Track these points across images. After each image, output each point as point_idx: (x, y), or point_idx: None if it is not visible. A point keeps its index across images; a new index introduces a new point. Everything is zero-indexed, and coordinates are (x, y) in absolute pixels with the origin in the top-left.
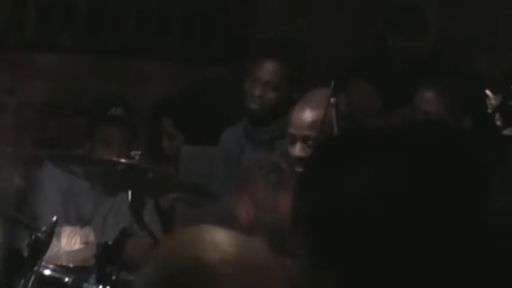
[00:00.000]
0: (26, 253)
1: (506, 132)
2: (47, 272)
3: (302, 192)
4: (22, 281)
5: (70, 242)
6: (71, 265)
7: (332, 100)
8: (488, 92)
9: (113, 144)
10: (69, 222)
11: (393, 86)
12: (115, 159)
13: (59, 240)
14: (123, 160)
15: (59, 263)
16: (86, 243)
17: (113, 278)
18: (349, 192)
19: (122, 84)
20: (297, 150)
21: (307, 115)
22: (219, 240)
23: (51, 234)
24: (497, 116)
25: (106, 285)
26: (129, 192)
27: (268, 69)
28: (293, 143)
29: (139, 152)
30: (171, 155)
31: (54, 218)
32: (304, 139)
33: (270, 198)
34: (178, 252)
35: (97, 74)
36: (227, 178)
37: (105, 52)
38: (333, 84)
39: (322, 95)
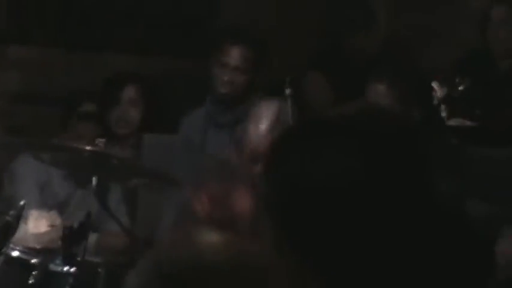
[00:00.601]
0: None
1: (451, 122)
2: (14, 253)
3: (266, 176)
4: None
5: (37, 224)
6: (38, 247)
7: (287, 91)
8: (434, 84)
9: (83, 138)
10: (40, 205)
11: (348, 79)
12: (81, 146)
13: (26, 223)
14: (88, 147)
15: (26, 244)
16: (52, 226)
17: (78, 259)
18: (309, 173)
19: (92, 76)
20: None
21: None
22: (215, 242)
23: (19, 217)
24: (442, 107)
25: (72, 266)
26: (94, 178)
27: (236, 54)
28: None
29: (104, 140)
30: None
31: (22, 202)
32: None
33: (224, 193)
34: (173, 253)
35: (68, 66)
36: (188, 163)
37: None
38: (288, 78)
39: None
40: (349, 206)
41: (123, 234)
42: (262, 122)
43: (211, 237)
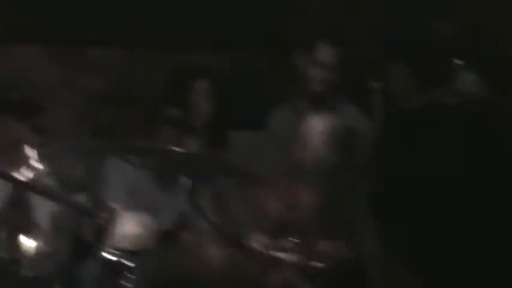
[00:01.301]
0: (89, 240)
1: None
2: (110, 257)
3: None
4: (87, 267)
5: (128, 226)
6: (130, 249)
7: (375, 85)
8: None
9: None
10: (130, 209)
11: (431, 67)
12: (171, 148)
13: (118, 224)
14: (177, 149)
15: (119, 246)
16: (144, 226)
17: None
18: (413, 165)
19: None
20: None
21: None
22: (212, 255)
23: (113, 221)
24: None
25: None
26: (185, 180)
27: (331, 53)
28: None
29: (195, 141)
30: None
31: (115, 205)
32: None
33: (295, 192)
34: (170, 264)
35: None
36: (277, 160)
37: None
38: (375, 71)
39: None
40: (451, 196)
41: (214, 232)
42: (314, 137)
43: (210, 251)
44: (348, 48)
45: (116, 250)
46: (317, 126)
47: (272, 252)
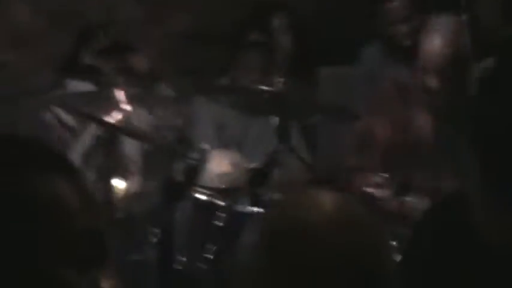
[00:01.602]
0: (181, 180)
1: None
2: (201, 196)
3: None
4: (179, 206)
5: (219, 164)
6: (222, 186)
7: (463, 17)
8: None
9: (254, 69)
10: (220, 147)
11: None
12: (259, 87)
13: (209, 164)
14: (266, 88)
15: (211, 185)
16: (234, 164)
17: (264, 199)
18: None
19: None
20: (433, 82)
21: (439, 46)
22: (322, 202)
23: (204, 161)
24: None
25: (259, 207)
26: (275, 118)
27: (401, 7)
28: (425, 74)
29: (283, 79)
30: None
31: (205, 146)
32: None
33: (405, 117)
34: (283, 215)
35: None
36: (369, 93)
37: None
38: (463, 1)
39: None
40: None
41: (305, 170)
42: (438, 37)
43: (320, 198)
44: None
45: (207, 189)
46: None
47: (367, 189)
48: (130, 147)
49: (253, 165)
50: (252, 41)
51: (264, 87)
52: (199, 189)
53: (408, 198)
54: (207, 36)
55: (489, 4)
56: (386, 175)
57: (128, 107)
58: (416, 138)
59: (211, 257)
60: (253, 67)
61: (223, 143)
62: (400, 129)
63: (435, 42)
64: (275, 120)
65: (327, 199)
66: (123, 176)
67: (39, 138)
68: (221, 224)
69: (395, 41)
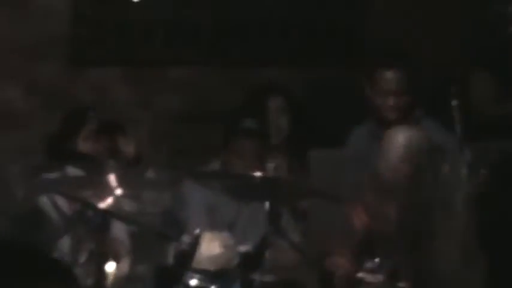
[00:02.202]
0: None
1: None
2: (192, 282)
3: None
4: None
5: (210, 247)
6: (213, 269)
7: (454, 103)
8: None
9: (246, 156)
10: (211, 228)
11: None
12: (251, 173)
13: (200, 246)
14: (258, 174)
15: (201, 267)
16: (225, 247)
17: (256, 284)
18: None
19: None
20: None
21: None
22: None
23: (195, 245)
24: None
25: None
26: (266, 203)
27: (394, 79)
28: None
29: (274, 164)
30: None
31: (197, 231)
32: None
33: (381, 207)
34: None
35: (223, 84)
36: (355, 176)
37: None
38: (453, 88)
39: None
40: None
41: (295, 252)
42: (392, 151)
43: None
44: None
45: (199, 272)
46: (398, 138)
47: (357, 273)
48: (121, 231)
49: (244, 248)
50: (245, 127)
51: (256, 173)
52: (191, 274)
53: (400, 284)
54: (197, 117)
55: (482, 87)
56: (378, 260)
57: (119, 191)
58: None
59: None
60: (245, 153)
61: (214, 225)
62: (380, 217)
63: (389, 156)
64: (266, 204)
65: None
66: (114, 259)
67: (36, 244)
68: None
69: (381, 114)
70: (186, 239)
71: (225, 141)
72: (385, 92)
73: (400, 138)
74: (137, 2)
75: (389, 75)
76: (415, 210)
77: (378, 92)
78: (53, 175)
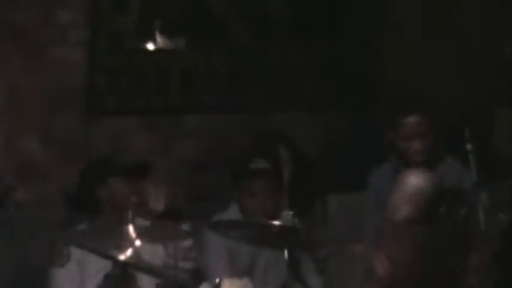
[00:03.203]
0: None
1: None
2: None
3: None
4: None
5: None
6: None
7: (469, 147)
8: None
9: (258, 195)
10: (231, 274)
11: None
12: (269, 222)
13: None
14: (276, 223)
15: None
16: None
17: None
18: None
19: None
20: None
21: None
22: None
23: None
24: None
25: None
26: (285, 251)
27: (419, 123)
28: None
29: (291, 212)
30: None
31: (217, 280)
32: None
33: (403, 254)
34: None
35: (240, 130)
36: (379, 218)
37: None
38: (467, 131)
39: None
40: None
41: None
42: (397, 193)
43: None
44: (436, 114)
45: None
46: (406, 180)
47: None
48: (145, 283)
49: None
50: (254, 167)
51: (273, 222)
52: None
53: None
54: (213, 164)
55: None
56: None
57: (138, 242)
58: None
59: None
60: (258, 193)
61: (234, 272)
62: (399, 263)
63: (399, 196)
64: (285, 252)
65: None
66: None
67: None
68: None
69: (407, 157)
70: (206, 287)
71: (235, 181)
72: (410, 136)
73: (407, 180)
74: (152, 51)
75: (413, 119)
76: (434, 254)
77: (403, 137)
78: (80, 227)
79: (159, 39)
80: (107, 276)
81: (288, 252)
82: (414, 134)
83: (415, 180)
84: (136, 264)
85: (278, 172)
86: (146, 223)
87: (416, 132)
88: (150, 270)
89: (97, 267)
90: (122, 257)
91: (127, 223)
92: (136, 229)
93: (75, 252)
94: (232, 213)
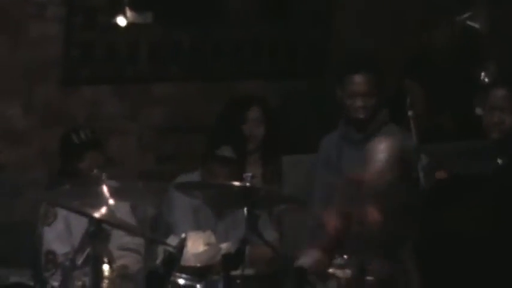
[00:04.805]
0: (161, 268)
1: None
2: (180, 281)
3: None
4: None
5: (195, 245)
6: (198, 265)
7: (410, 113)
8: None
9: (219, 178)
10: (195, 228)
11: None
12: (229, 183)
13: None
14: (237, 183)
15: (187, 264)
16: (209, 244)
17: (238, 281)
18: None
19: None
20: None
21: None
22: None
23: (181, 249)
24: None
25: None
26: (245, 209)
27: (363, 81)
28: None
29: (250, 174)
30: None
31: (183, 235)
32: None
33: (354, 210)
34: None
35: (203, 96)
36: (328, 179)
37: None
38: (408, 99)
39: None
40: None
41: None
42: (378, 158)
43: None
44: (381, 74)
45: (185, 271)
46: (379, 146)
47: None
48: (115, 237)
49: (226, 246)
50: (220, 155)
51: (234, 183)
52: (178, 275)
53: (369, 278)
54: (183, 128)
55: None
56: (347, 257)
57: (111, 201)
58: (364, 228)
59: None
60: (220, 176)
61: (199, 226)
62: (349, 220)
63: (377, 165)
64: (245, 210)
65: None
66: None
67: None
68: None
69: (350, 114)
70: (173, 241)
71: (202, 162)
72: (353, 94)
73: (378, 148)
74: (123, 26)
75: (358, 78)
76: (392, 214)
77: (348, 94)
78: (65, 187)
79: (129, 14)
80: (85, 233)
81: (247, 210)
82: (358, 92)
83: (385, 146)
84: (109, 221)
85: (242, 159)
86: (118, 184)
87: (361, 90)
88: (121, 226)
89: (82, 225)
90: (97, 215)
91: (101, 184)
92: (109, 189)
93: (62, 211)
94: (197, 176)
